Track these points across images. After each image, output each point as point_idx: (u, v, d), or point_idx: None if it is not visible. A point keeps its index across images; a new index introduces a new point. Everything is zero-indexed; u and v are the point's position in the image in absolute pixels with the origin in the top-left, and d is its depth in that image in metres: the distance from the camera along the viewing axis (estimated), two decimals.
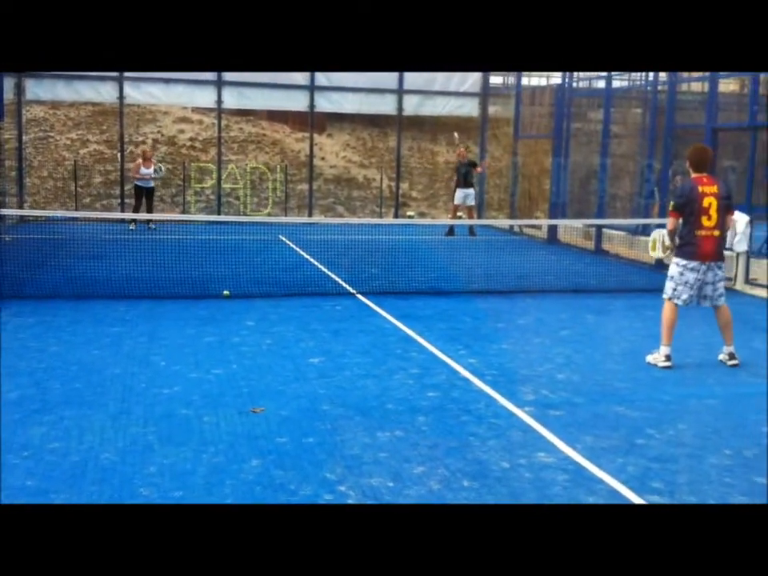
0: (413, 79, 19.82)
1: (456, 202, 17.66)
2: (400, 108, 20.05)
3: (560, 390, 6.48)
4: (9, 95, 17.41)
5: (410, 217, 21.35)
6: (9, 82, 17.26)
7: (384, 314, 9.23)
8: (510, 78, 25.83)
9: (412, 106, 20.19)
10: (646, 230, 13.36)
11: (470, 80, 20.35)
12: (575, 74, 17.45)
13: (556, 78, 18.61)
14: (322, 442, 5.20)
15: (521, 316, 9.42)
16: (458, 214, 18.10)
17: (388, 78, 19.70)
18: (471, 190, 17.61)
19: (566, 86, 17.12)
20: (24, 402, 5.83)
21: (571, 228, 16.12)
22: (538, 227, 17.46)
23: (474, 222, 17.95)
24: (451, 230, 17.04)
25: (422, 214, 22.44)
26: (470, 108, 20.67)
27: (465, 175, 17.43)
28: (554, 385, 6.60)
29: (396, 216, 20.55)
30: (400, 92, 19.85)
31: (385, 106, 20.23)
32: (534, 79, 28.26)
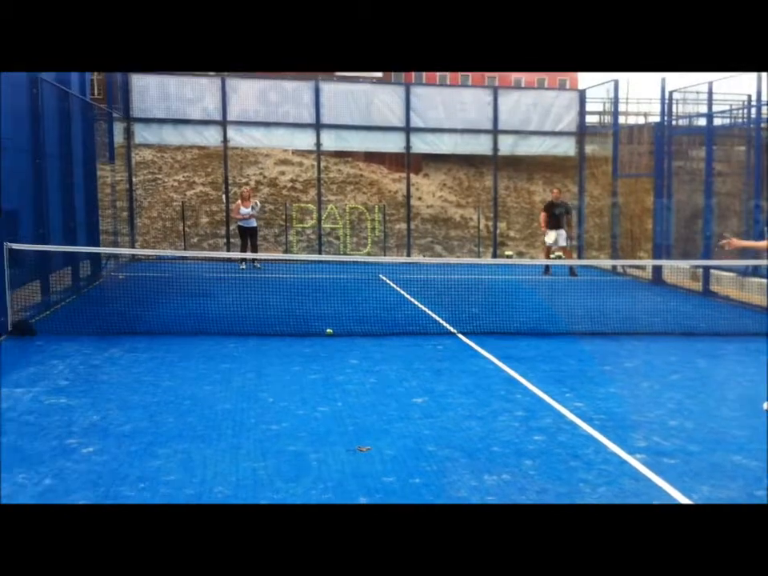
0: (507, 119, 19.84)
1: (548, 242, 17.53)
2: (495, 148, 20.06)
3: (673, 436, 6.27)
4: (119, 139, 18.26)
5: (508, 256, 21.24)
6: (118, 126, 18.11)
7: (486, 354, 9.17)
8: (607, 118, 25.59)
9: (507, 145, 20.18)
10: (757, 271, 12.90)
11: (566, 119, 20.24)
12: (674, 112, 17.14)
13: (654, 116, 18.32)
14: (428, 483, 5.17)
15: (628, 359, 9.20)
16: (557, 253, 17.90)
17: (483, 119, 19.79)
18: (563, 231, 17.49)
19: (665, 124, 16.82)
20: (137, 434, 6.02)
21: (677, 269, 15.71)
22: (642, 268, 17.08)
23: (574, 262, 17.73)
24: (547, 269, 16.94)
25: (520, 254, 22.31)
26: (566, 147, 20.53)
27: (558, 216, 17.32)
28: (667, 431, 6.40)
29: (494, 256, 20.47)
30: (495, 132, 19.89)
31: (480, 146, 20.28)
32: (631, 118, 27.89)
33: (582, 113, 20.40)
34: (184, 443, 5.82)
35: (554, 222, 17.39)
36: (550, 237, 17.38)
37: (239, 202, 17.93)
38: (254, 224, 17.84)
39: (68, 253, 12.30)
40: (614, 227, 18.91)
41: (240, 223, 17.73)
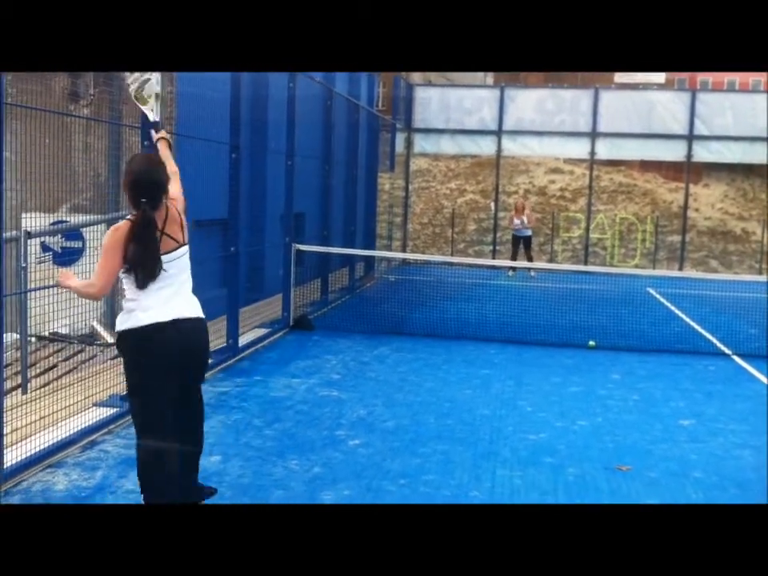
0: None
1: None
2: None
3: None
4: (399, 148, 19.17)
5: None
6: (399, 137, 19.00)
7: (764, 379, 8.51)
8: None
9: None
10: None
11: None
12: None
13: None
14: None
15: None
16: None
17: None
18: None
19: None
20: (400, 431, 6.32)
21: None
22: None
23: None
24: None
25: None
26: None
27: None
28: None
29: None
30: None
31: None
32: None
33: None
34: (443, 444, 6.02)
35: None
36: None
37: (513, 212, 18.06)
38: (529, 233, 17.78)
39: (346, 254, 13.16)
40: None
41: (514, 232, 17.83)
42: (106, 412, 6.03)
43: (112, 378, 6.49)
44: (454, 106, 19.16)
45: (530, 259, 17.60)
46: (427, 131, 19.33)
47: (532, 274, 17.09)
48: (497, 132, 19.06)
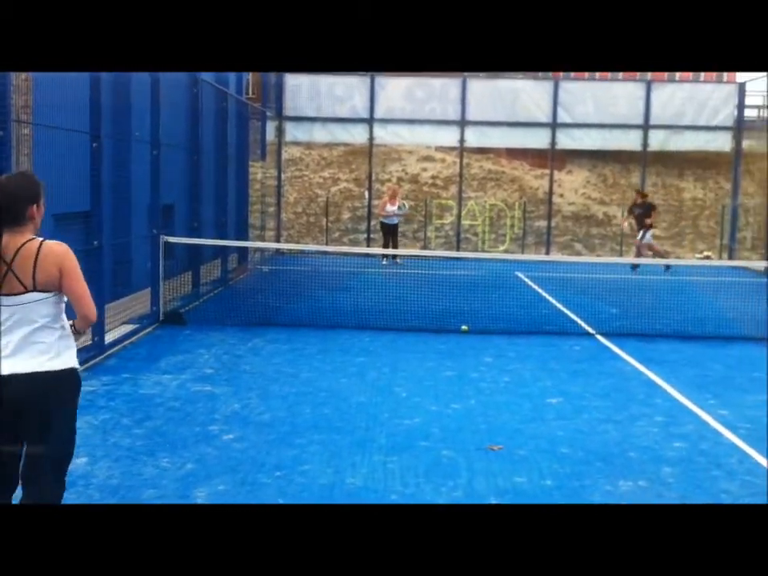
0: (659, 114, 19.15)
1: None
2: (645, 144, 19.41)
3: None
4: (270, 137, 18.94)
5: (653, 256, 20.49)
6: (270, 125, 18.77)
7: (625, 356, 8.93)
8: (765, 111, 24.21)
9: (658, 141, 19.51)
10: None
11: (723, 113, 19.32)
12: None
13: None
14: (560, 486, 5.11)
15: None
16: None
17: (633, 114, 19.19)
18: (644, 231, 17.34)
19: None
20: (276, 424, 6.25)
21: None
22: None
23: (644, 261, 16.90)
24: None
25: (666, 253, 21.48)
26: (721, 142, 19.60)
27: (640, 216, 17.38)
28: None
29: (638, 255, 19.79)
30: (646, 127, 19.24)
31: (629, 141, 19.70)
32: None
33: (741, 106, 19.40)
34: (320, 434, 6.00)
35: (638, 224, 17.38)
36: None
37: (386, 198, 18.15)
38: (396, 221, 18.00)
39: (218, 246, 12.89)
40: None
41: (383, 220, 17.95)
42: None
43: None
44: (325, 94, 19.08)
45: (395, 246, 17.83)
46: (298, 119, 19.18)
47: (398, 261, 17.33)
48: (368, 120, 19.13)
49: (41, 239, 3.49)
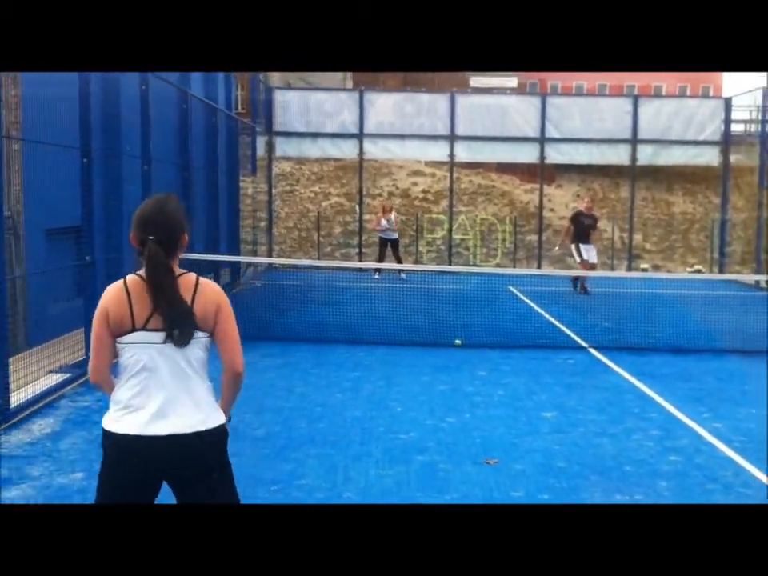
0: (647, 128, 19.29)
1: (585, 258, 15.52)
2: (634, 158, 19.53)
3: None
4: (260, 152, 18.95)
5: (643, 270, 20.59)
6: (260, 140, 18.79)
7: (619, 370, 8.94)
8: (753, 126, 24.38)
9: (646, 155, 19.61)
10: None
11: (710, 128, 19.45)
12: None
13: None
14: (557, 500, 5.10)
15: None
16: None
17: (621, 128, 19.32)
18: (592, 246, 15.67)
19: None
20: (271, 438, 6.23)
21: None
22: None
23: (589, 274, 15.24)
24: (578, 286, 15.35)
25: (656, 267, 21.59)
26: (709, 157, 19.73)
27: (587, 228, 15.48)
28: None
29: (629, 269, 19.90)
30: (634, 142, 19.36)
31: (617, 156, 19.82)
32: None
33: (728, 121, 19.55)
34: (315, 448, 5.98)
35: (583, 237, 15.37)
36: (584, 253, 15.39)
37: (380, 214, 18.23)
38: (395, 236, 18.01)
39: (210, 260, 12.86)
40: (759, 240, 18.02)
41: (381, 234, 17.99)
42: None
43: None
44: (314, 109, 19.13)
45: (399, 261, 17.82)
46: (288, 134, 19.19)
47: (403, 276, 17.23)
48: (358, 135, 19.17)
49: (194, 273, 3.10)
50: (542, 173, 20.55)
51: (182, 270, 3.06)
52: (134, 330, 2.97)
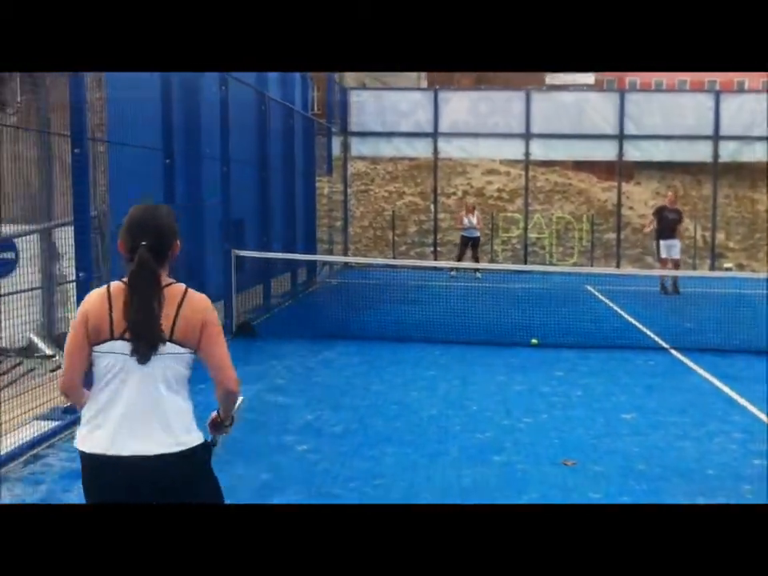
0: (729, 124, 18.74)
1: (662, 255, 15.11)
2: (716, 155, 19.00)
3: None
4: (336, 152, 19.15)
5: (727, 269, 20.00)
6: (336, 140, 18.99)
7: (701, 371, 8.72)
8: None
9: (728, 152, 19.07)
10: None
11: None
12: None
13: None
14: (638, 503, 5.01)
15: None
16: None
17: (702, 124, 18.82)
18: (676, 242, 15.09)
19: None
20: (348, 435, 6.29)
21: None
22: None
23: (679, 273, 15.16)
24: (664, 287, 14.89)
25: (740, 266, 20.94)
26: None
27: (671, 223, 14.91)
28: None
29: (712, 268, 19.37)
30: (716, 138, 18.84)
31: (698, 153, 19.33)
32: None
33: None
34: (392, 447, 6.01)
35: (667, 231, 14.89)
36: (663, 251, 14.97)
37: (462, 212, 18.30)
38: (477, 234, 18.01)
39: (287, 259, 13.06)
40: None
41: (463, 233, 18.02)
42: (47, 425, 5.92)
43: (52, 391, 6.31)
44: (389, 109, 19.23)
45: (476, 260, 17.77)
46: (363, 134, 19.33)
47: (478, 275, 17.17)
48: (432, 134, 19.17)
49: (184, 284, 2.95)
50: (620, 170, 20.17)
51: (170, 280, 2.91)
52: (111, 338, 2.81)
